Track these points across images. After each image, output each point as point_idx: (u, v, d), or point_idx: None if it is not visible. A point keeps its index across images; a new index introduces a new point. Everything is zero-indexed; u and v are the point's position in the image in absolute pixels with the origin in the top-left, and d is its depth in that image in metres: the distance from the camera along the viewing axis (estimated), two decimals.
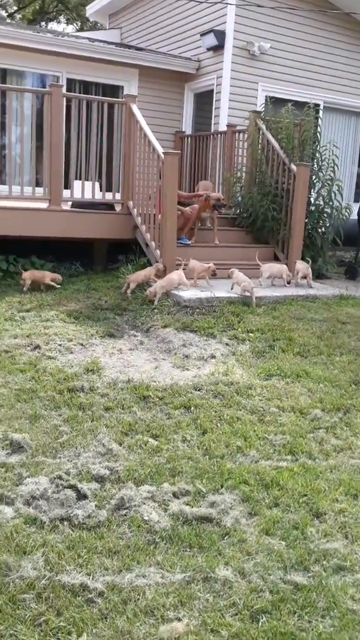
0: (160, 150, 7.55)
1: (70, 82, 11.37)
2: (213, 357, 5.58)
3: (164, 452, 3.84)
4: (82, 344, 5.70)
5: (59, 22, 30.49)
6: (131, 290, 7.25)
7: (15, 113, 8.26)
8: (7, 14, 28.45)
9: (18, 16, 28.84)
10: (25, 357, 5.25)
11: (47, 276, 7.52)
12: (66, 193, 8.41)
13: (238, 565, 2.94)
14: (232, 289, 7.24)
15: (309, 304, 7.30)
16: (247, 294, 6.96)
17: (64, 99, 8.09)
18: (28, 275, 7.40)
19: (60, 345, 5.58)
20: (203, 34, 11.33)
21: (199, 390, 4.74)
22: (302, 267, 8.10)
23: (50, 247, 8.44)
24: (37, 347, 5.49)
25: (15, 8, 29.18)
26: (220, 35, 11.05)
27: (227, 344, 5.90)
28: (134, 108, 8.28)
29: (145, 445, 3.91)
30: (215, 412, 4.38)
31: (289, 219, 8.66)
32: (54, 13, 30.24)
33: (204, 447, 3.92)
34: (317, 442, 4.11)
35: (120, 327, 6.41)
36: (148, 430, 4.10)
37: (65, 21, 30.36)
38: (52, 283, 7.45)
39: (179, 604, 2.70)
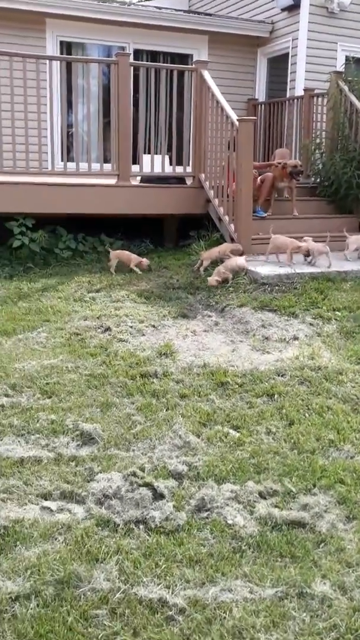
0: (234, 117, 7.06)
1: (137, 53, 10.95)
2: (296, 338, 5.12)
3: (247, 446, 3.45)
4: (154, 326, 5.37)
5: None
6: (204, 267, 6.86)
7: (81, 90, 7.94)
8: None
9: None
10: (96, 340, 4.97)
11: (133, 260, 7.10)
12: (135, 168, 8.06)
13: (337, 579, 2.54)
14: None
15: None
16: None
17: (131, 68, 7.73)
18: (115, 255, 7.08)
19: (131, 327, 5.28)
20: None
21: (282, 376, 4.31)
22: None
23: (119, 224, 8.16)
24: (108, 329, 5.21)
25: None
26: None
27: (310, 324, 5.42)
28: (206, 74, 7.80)
29: (226, 437, 3.54)
30: (303, 400, 3.94)
31: None
32: None
33: (292, 441, 3.51)
34: None
35: (194, 307, 6.04)
36: (228, 420, 3.72)
37: None
38: (136, 269, 7.03)
39: (271, 625, 2.35)
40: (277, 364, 4.52)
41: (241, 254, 6.75)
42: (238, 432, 3.62)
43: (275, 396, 4.00)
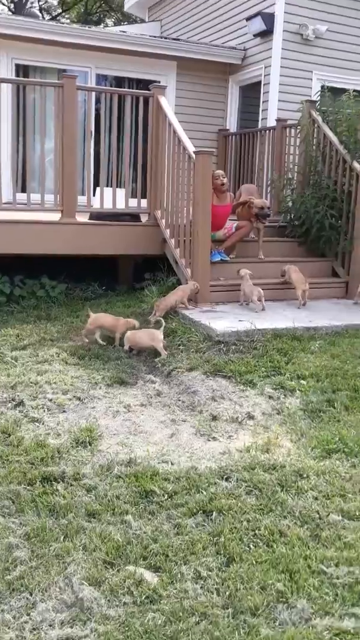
0: (191, 149, 6.21)
1: (100, 78, 10.22)
2: (251, 417, 4.18)
3: (165, 602, 2.48)
4: (79, 398, 4.40)
5: (105, 25, 29.56)
6: (158, 318, 5.91)
7: (32, 115, 7.02)
8: (50, 17, 27.75)
9: (63, 20, 28.11)
10: (2, 421, 3.99)
11: (121, 325, 5.59)
12: (83, 200, 7.16)
13: None
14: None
15: None
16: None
17: (92, 94, 6.93)
18: (95, 322, 5.56)
19: (51, 400, 4.31)
20: (249, 18, 9.97)
21: (227, 479, 3.35)
22: None
23: (68, 264, 7.23)
24: (21, 403, 4.23)
25: (59, 11, 28.44)
26: (269, 19, 9.64)
27: (270, 397, 4.49)
28: (163, 101, 6.98)
29: (138, 586, 2.56)
30: (249, 522, 2.98)
31: (350, 227, 7.17)
32: (99, 14, 29.33)
33: (227, 593, 2.54)
34: None
35: (136, 369, 5.09)
36: (145, 556, 2.75)
37: (113, 23, 29.43)
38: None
39: None
40: (223, 460, 3.57)
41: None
42: (157, 575, 2.65)
43: (214, 515, 3.03)
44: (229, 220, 7.16)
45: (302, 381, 4.71)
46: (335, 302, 6.91)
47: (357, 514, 3.04)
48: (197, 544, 2.82)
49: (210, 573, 2.65)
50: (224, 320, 5.67)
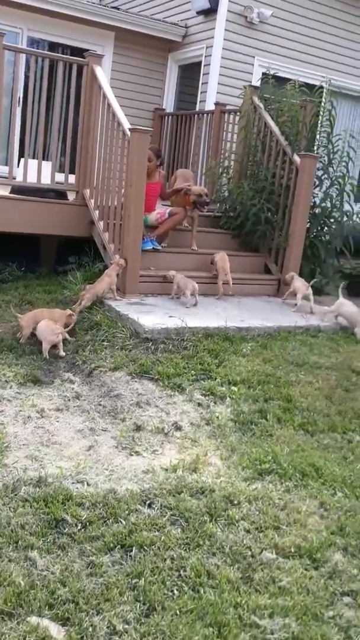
0: (126, 125, 5.72)
1: (32, 41, 9.44)
2: (178, 428, 3.83)
3: None
4: None
5: None
6: (83, 308, 5.41)
7: None
8: None
9: None
10: None
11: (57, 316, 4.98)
12: (4, 171, 6.52)
13: None
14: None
15: (311, 340, 5.57)
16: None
17: (21, 55, 6.28)
18: (29, 320, 4.88)
19: None
20: None
21: (150, 505, 2.97)
22: (302, 285, 6.38)
23: None
24: None
25: None
26: None
27: (199, 404, 4.15)
28: (98, 71, 6.42)
29: None
30: (173, 560, 2.62)
31: (286, 222, 6.92)
32: None
33: None
34: (341, 629, 2.38)
35: (53, 365, 4.61)
36: (51, 604, 2.33)
37: None
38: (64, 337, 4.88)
39: None
40: (146, 480, 3.19)
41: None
42: (64, 629, 2.24)
43: (134, 551, 2.64)
44: (162, 205, 6.74)
45: (233, 387, 4.40)
46: (267, 301, 6.66)
47: (292, 550, 2.75)
48: (113, 589, 2.43)
49: (127, 627, 2.27)
50: (153, 315, 5.26)
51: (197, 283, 5.87)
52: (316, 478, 3.36)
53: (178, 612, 2.35)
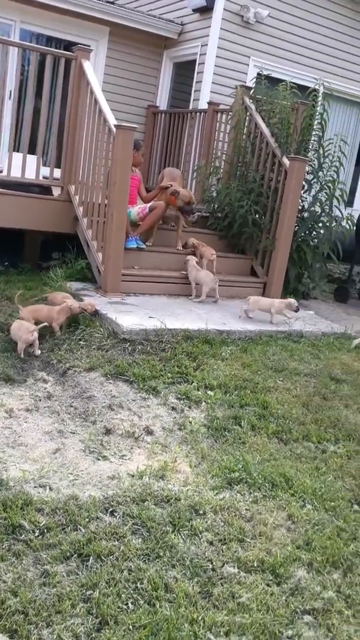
0: (112, 121, 5.63)
1: (26, 35, 9.32)
2: (149, 432, 3.75)
3: None
4: None
5: None
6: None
7: None
8: None
9: None
10: None
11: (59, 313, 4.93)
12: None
13: None
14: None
15: (292, 345, 5.50)
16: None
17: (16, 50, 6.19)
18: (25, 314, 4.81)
19: None
20: None
21: (112, 513, 2.89)
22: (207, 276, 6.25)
23: None
24: None
25: None
26: None
27: (173, 408, 4.07)
28: (86, 65, 6.31)
29: None
30: (130, 571, 2.54)
31: (274, 225, 6.85)
32: None
33: None
34: None
35: (27, 364, 4.52)
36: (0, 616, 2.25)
37: None
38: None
39: None
40: (111, 487, 3.10)
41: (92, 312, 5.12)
42: None
43: (91, 560, 2.56)
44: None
45: (209, 392, 4.32)
46: None
47: (255, 565, 2.67)
48: (65, 600, 2.35)
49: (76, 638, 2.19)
50: (132, 316, 5.18)
51: (181, 283, 5.80)
52: (286, 489, 3.29)
53: (131, 627, 2.27)
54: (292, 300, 5.94)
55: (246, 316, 5.85)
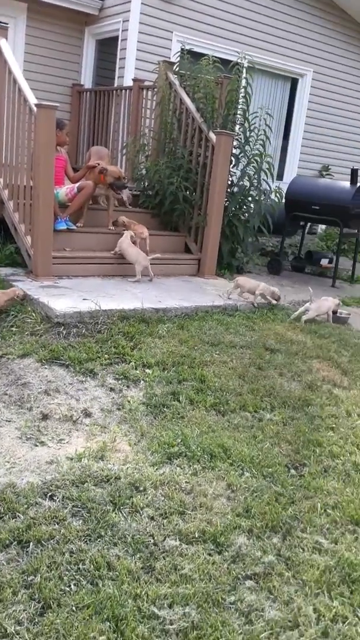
0: (32, 100, 5.47)
1: None
2: (88, 415, 3.72)
3: None
4: None
5: None
6: None
7: None
8: None
9: None
10: None
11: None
12: None
13: None
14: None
15: (227, 319, 5.56)
16: None
17: None
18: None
19: None
20: None
21: (51, 498, 2.86)
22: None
23: None
24: None
25: None
26: None
27: (111, 389, 4.05)
28: (3, 44, 6.09)
29: None
30: (72, 553, 2.53)
31: (204, 201, 6.86)
32: None
33: None
34: (242, 614, 2.37)
35: None
36: None
37: None
38: None
39: None
40: (49, 472, 3.07)
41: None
42: None
43: (31, 546, 2.54)
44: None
45: (147, 370, 4.32)
46: (187, 280, 6.61)
47: (196, 535, 2.71)
48: (6, 588, 2.32)
49: (19, 628, 2.17)
50: (66, 299, 5.10)
51: (115, 264, 5.73)
52: (224, 459, 3.34)
53: (74, 608, 2.27)
54: (276, 290, 6.19)
55: (227, 297, 6.01)
